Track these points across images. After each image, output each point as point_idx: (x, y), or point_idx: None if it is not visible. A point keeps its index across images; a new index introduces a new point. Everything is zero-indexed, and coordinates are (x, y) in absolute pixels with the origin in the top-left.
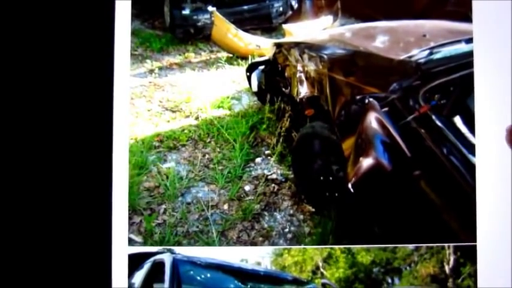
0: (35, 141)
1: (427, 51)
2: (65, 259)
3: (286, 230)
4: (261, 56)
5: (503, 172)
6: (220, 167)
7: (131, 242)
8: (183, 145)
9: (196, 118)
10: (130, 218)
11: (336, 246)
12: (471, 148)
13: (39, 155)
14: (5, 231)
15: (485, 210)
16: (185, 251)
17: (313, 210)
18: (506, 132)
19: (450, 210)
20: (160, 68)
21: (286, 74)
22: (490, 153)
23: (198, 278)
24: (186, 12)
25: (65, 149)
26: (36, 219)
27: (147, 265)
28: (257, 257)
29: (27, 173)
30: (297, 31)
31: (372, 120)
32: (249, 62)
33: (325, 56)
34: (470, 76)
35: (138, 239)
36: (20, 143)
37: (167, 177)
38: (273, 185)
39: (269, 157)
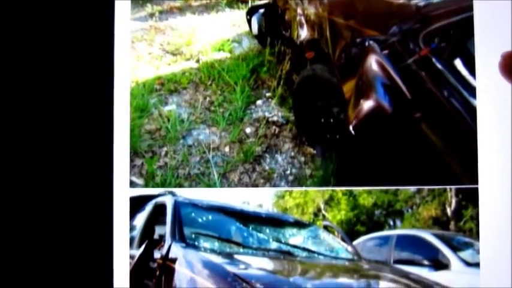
0: (37, 84)
1: None
2: (65, 201)
3: (288, 172)
4: None
5: (504, 114)
6: (221, 110)
7: (132, 184)
8: (184, 88)
9: (197, 61)
10: (131, 161)
11: (338, 188)
12: (472, 90)
13: (40, 99)
14: (7, 188)
15: (486, 153)
16: (186, 193)
17: (315, 152)
18: (501, 58)
19: (451, 152)
20: (160, 12)
21: (286, 17)
22: (491, 95)
23: (200, 220)
24: None
25: (66, 92)
26: (37, 161)
27: (148, 207)
28: (259, 199)
29: (33, 122)
30: None
31: (372, 62)
32: (249, 5)
33: None
34: (470, 19)
35: (140, 181)
36: (22, 98)
37: (168, 120)
38: (274, 127)
39: (270, 99)
